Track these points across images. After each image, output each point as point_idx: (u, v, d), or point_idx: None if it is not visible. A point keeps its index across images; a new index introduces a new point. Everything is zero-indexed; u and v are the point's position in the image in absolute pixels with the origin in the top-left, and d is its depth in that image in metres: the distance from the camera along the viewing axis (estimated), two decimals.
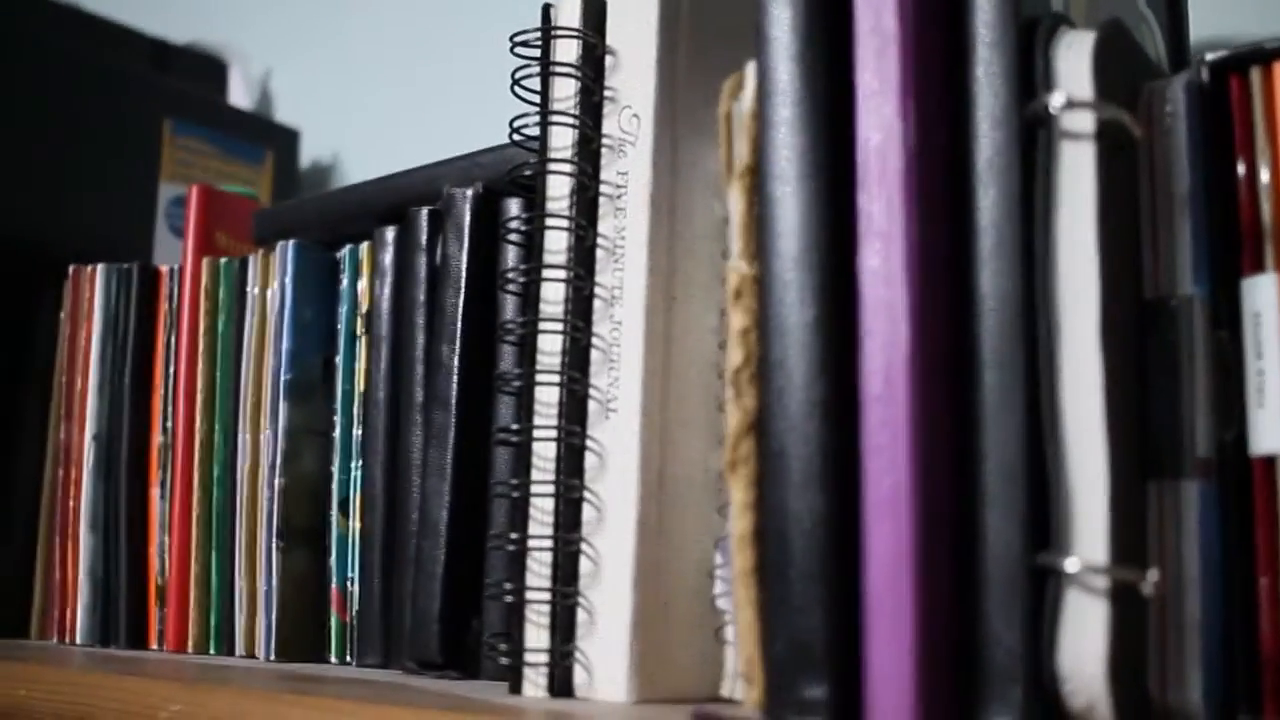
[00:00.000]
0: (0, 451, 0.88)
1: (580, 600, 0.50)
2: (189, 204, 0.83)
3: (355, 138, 1.19)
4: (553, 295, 0.52)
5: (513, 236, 0.60)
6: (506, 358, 0.59)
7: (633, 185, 0.52)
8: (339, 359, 0.74)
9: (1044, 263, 0.38)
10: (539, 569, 0.51)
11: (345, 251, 0.75)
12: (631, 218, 0.51)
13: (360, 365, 0.72)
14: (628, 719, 0.45)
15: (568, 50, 0.53)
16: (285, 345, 0.73)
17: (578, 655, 0.50)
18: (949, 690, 0.37)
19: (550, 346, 0.52)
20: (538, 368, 0.52)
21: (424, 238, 0.67)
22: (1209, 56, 0.42)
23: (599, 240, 0.52)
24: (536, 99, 0.54)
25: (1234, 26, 0.68)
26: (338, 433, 0.73)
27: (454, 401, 0.62)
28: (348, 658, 0.71)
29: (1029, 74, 0.39)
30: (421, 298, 0.67)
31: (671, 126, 0.52)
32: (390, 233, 0.71)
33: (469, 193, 0.65)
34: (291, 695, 0.49)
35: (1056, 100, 0.38)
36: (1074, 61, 0.39)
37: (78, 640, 0.80)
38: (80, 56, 0.99)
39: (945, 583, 0.37)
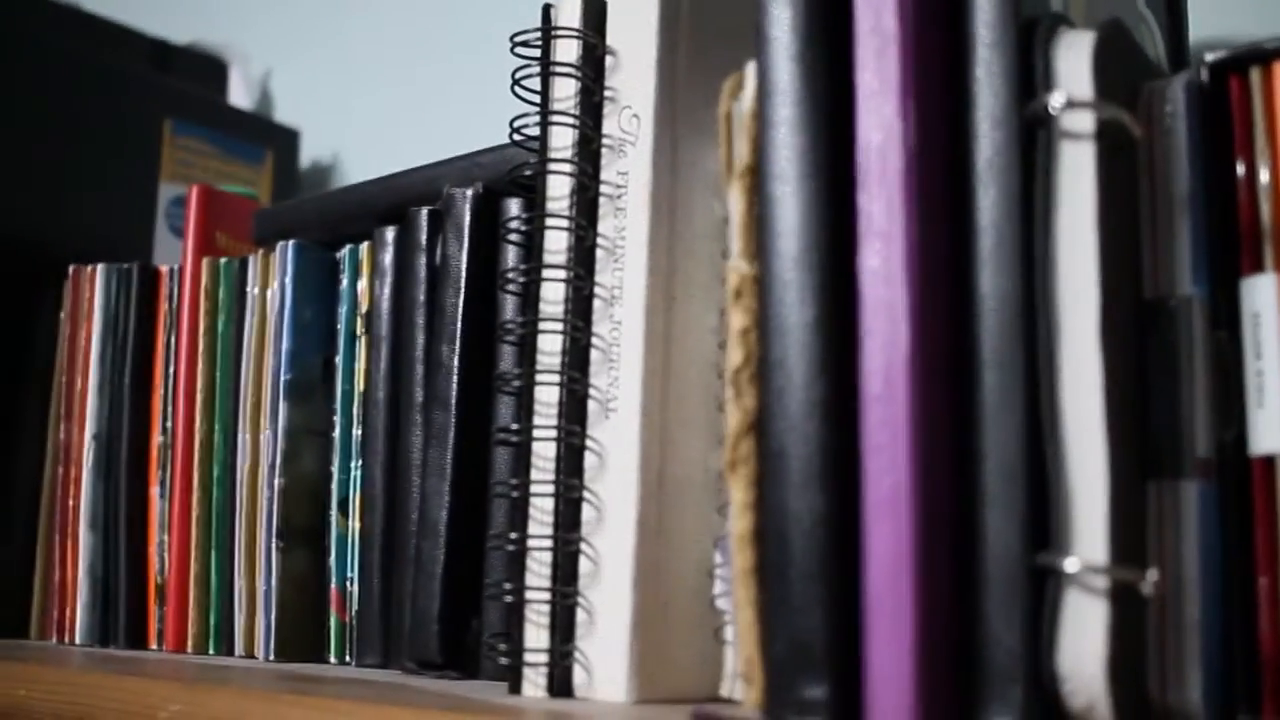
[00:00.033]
0: (0, 451, 0.88)
1: (580, 600, 0.50)
2: (189, 204, 0.83)
3: (355, 138, 1.19)
4: (553, 295, 0.52)
5: (513, 236, 0.60)
6: (506, 358, 0.59)
7: (633, 185, 0.52)
8: (339, 359, 0.74)
9: (1044, 263, 0.38)
10: (538, 569, 0.51)
11: (345, 251, 0.75)
12: (631, 218, 0.51)
13: (360, 365, 0.72)
14: (627, 719, 0.45)
15: (568, 50, 0.53)
16: (285, 345, 0.73)
17: (577, 655, 0.50)
18: (949, 690, 0.37)
19: (550, 346, 0.52)
20: (537, 368, 0.52)
21: (424, 238, 0.67)
22: (1208, 56, 0.42)
23: (599, 240, 0.52)
24: (537, 99, 0.54)
25: (1233, 27, 0.68)
26: (337, 433, 0.73)
27: (454, 401, 0.62)
28: (347, 658, 0.71)
29: (1029, 74, 0.39)
30: (421, 298, 0.67)
31: (671, 126, 0.52)
32: (390, 233, 0.71)
33: (469, 193, 0.65)
34: (291, 695, 0.49)
35: (1056, 100, 0.38)
36: (1074, 61, 0.39)
37: (77, 640, 0.80)
38: (80, 56, 0.99)
39: (945, 583, 0.37)
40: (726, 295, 0.43)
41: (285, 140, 1.15)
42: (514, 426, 0.53)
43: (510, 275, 0.56)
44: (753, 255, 0.42)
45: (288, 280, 0.74)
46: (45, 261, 0.88)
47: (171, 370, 0.79)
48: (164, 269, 0.82)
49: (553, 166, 0.53)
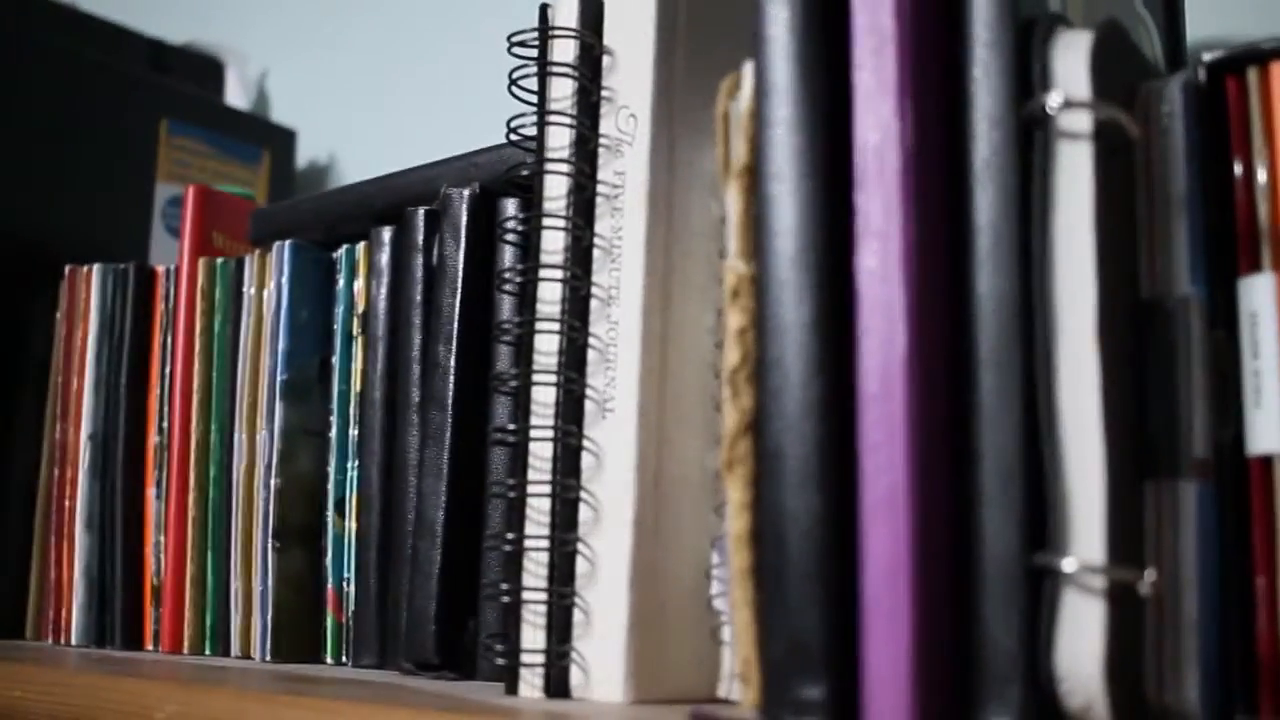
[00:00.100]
0: None
1: (577, 600, 0.50)
2: (185, 204, 0.83)
3: (352, 138, 1.19)
4: (549, 295, 0.52)
5: (509, 236, 0.60)
6: (503, 358, 0.59)
7: (630, 185, 0.52)
8: (335, 359, 0.73)
9: (1041, 262, 0.38)
10: (535, 569, 0.51)
11: (342, 252, 0.75)
12: (629, 218, 0.51)
13: (357, 365, 0.72)
14: (624, 719, 0.45)
15: (565, 50, 0.53)
16: (281, 345, 0.73)
17: (574, 656, 0.50)
18: (946, 690, 0.37)
19: (547, 346, 0.52)
20: (534, 368, 0.52)
21: (421, 238, 0.67)
22: (1206, 57, 0.42)
23: (596, 240, 0.52)
24: (534, 99, 0.54)
25: (1230, 27, 0.68)
26: (334, 433, 0.73)
27: (450, 401, 0.62)
28: (343, 658, 0.71)
29: (1026, 74, 0.39)
30: (418, 298, 0.67)
31: (669, 126, 0.52)
32: (387, 233, 0.71)
33: (466, 193, 0.65)
34: (288, 696, 0.49)
35: (1054, 100, 0.38)
36: (1071, 61, 0.39)
37: (73, 640, 0.80)
38: (77, 56, 0.99)
39: (942, 583, 0.37)
40: (724, 295, 0.43)
41: (282, 140, 1.15)
42: (511, 427, 0.53)
43: (507, 275, 0.56)
44: (750, 255, 0.42)
45: (284, 280, 0.74)
46: (41, 261, 0.88)
47: (168, 370, 0.79)
48: (160, 269, 0.82)
49: (550, 166, 0.53)
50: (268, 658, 0.71)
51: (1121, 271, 0.40)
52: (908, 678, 0.36)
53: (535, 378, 0.52)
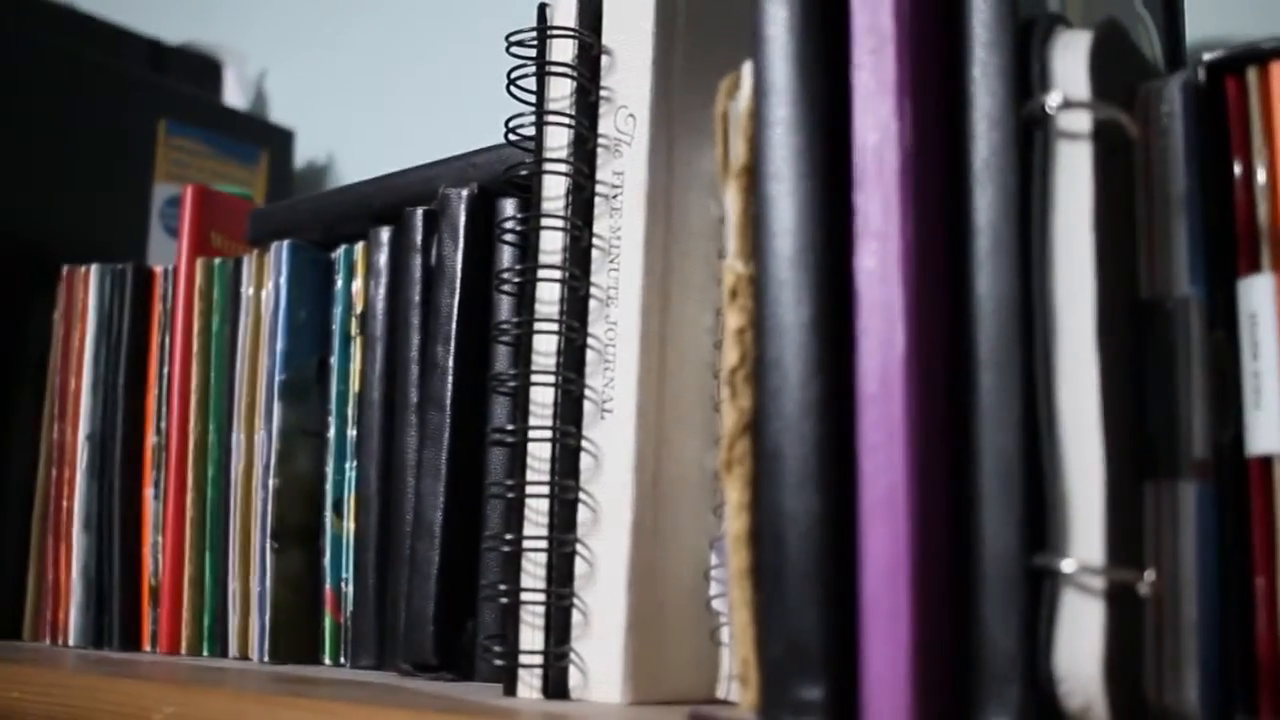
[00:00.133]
0: None
1: (575, 601, 0.50)
2: (183, 204, 0.83)
3: (350, 138, 1.19)
4: (548, 296, 0.52)
5: (508, 237, 0.60)
6: (501, 358, 0.59)
7: (628, 185, 0.52)
8: (334, 359, 0.73)
9: (1040, 263, 0.38)
10: (534, 570, 0.51)
11: (340, 252, 0.75)
12: (627, 218, 0.51)
13: (355, 366, 0.72)
14: None
15: (563, 50, 0.53)
16: (280, 346, 0.73)
17: (572, 657, 0.50)
18: (945, 691, 0.37)
19: (545, 347, 0.52)
20: (533, 368, 0.52)
21: (419, 238, 0.67)
22: (1205, 57, 0.42)
23: (594, 240, 0.52)
24: (532, 99, 0.54)
25: (1230, 27, 0.68)
26: (332, 433, 0.73)
27: (449, 402, 0.62)
28: (342, 659, 0.70)
29: (1025, 74, 0.39)
30: (416, 298, 0.67)
31: (667, 126, 0.52)
32: (385, 233, 0.71)
33: (464, 193, 0.65)
34: (286, 697, 0.49)
35: (1053, 100, 0.38)
36: (1070, 62, 0.39)
37: (71, 641, 0.79)
38: (75, 57, 0.99)
39: (941, 583, 0.37)
40: (722, 295, 0.43)
41: (280, 140, 1.15)
42: (509, 427, 0.53)
43: (505, 275, 0.56)
44: (749, 255, 0.42)
45: (282, 280, 0.74)
46: (39, 261, 0.88)
47: (166, 371, 0.79)
48: (158, 269, 0.82)
49: (548, 166, 0.53)
50: (266, 659, 0.71)
51: (1121, 272, 0.40)
52: (907, 678, 0.36)
53: (534, 378, 0.52)
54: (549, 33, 0.54)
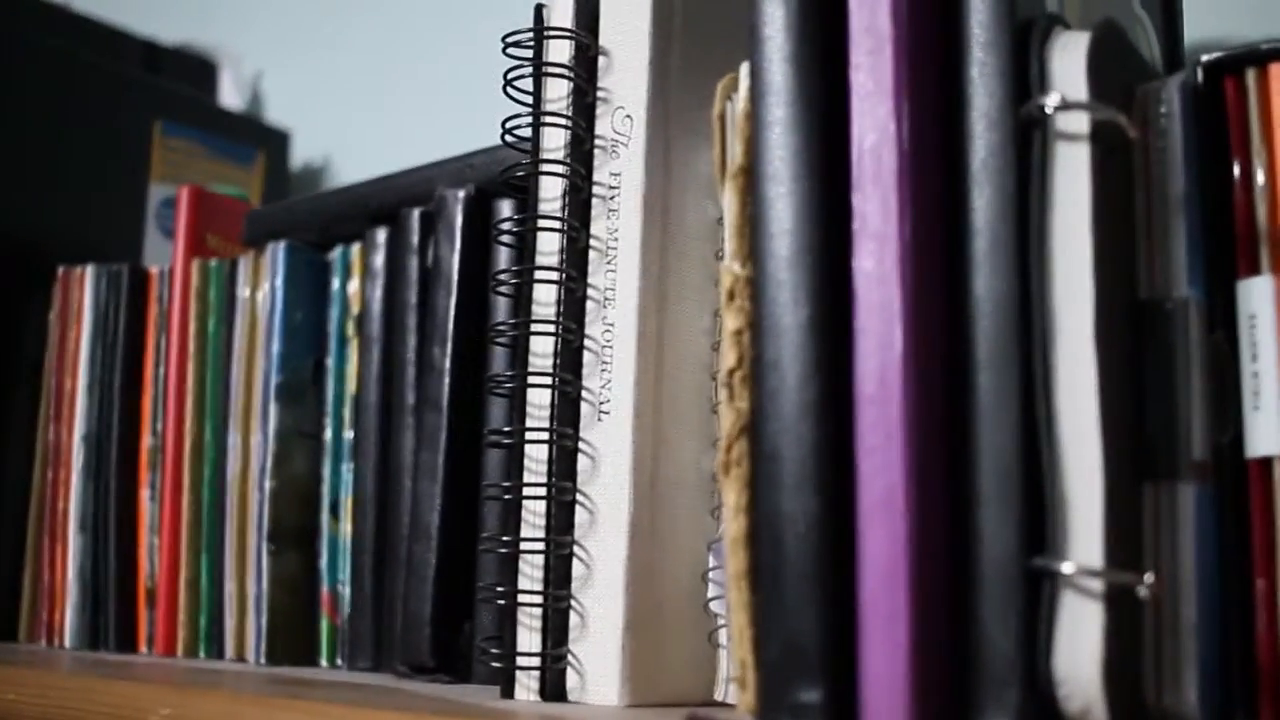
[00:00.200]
0: None
1: (572, 603, 0.50)
2: (179, 205, 0.83)
3: (346, 139, 1.19)
4: (545, 297, 0.52)
5: (505, 238, 0.60)
6: (498, 360, 0.59)
7: (625, 186, 0.51)
8: (330, 361, 0.73)
9: (1039, 264, 0.38)
10: (531, 572, 0.51)
11: (336, 253, 0.75)
12: (624, 219, 0.51)
13: (351, 367, 0.72)
14: None
15: (560, 51, 0.53)
16: (276, 347, 0.73)
17: (570, 659, 0.50)
18: (944, 693, 0.36)
19: (542, 348, 0.52)
20: (530, 370, 0.52)
21: (416, 239, 0.67)
22: (1204, 58, 0.42)
23: (591, 241, 0.52)
24: (529, 100, 0.54)
25: (1228, 28, 0.68)
26: (328, 435, 0.72)
27: (445, 404, 0.62)
28: (338, 661, 0.70)
29: (1024, 75, 0.39)
30: (413, 299, 0.67)
31: (664, 127, 0.52)
32: (382, 234, 0.71)
33: (461, 194, 0.65)
34: (283, 699, 0.49)
35: (1051, 101, 0.38)
36: (1069, 62, 0.39)
37: (67, 643, 0.79)
38: (71, 57, 0.99)
39: (940, 585, 0.37)
40: (720, 296, 0.43)
41: (276, 141, 1.15)
42: (506, 429, 0.53)
43: (502, 277, 0.56)
44: (746, 256, 0.42)
45: (278, 282, 0.74)
46: (34, 262, 0.88)
47: (161, 372, 0.79)
48: (154, 270, 0.82)
49: (545, 167, 0.53)
50: (262, 661, 0.71)
51: (1120, 273, 0.40)
52: (905, 680, 0.36)
53: (530, 380, 0.51)
54: (546, 34, 0.53)
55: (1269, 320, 0.39)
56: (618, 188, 0.52)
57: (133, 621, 0.78)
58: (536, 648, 0.50)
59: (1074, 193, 0.38)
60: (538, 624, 0.50)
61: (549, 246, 0.52)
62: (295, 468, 0.73)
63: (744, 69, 0.44)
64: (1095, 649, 0.36)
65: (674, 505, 0.51)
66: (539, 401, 0.51)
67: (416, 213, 0.68)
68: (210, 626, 0.74)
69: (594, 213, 0.52)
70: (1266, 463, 0.39)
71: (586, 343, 0.51)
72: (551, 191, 0.53)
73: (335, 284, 0.74)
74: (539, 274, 0.52)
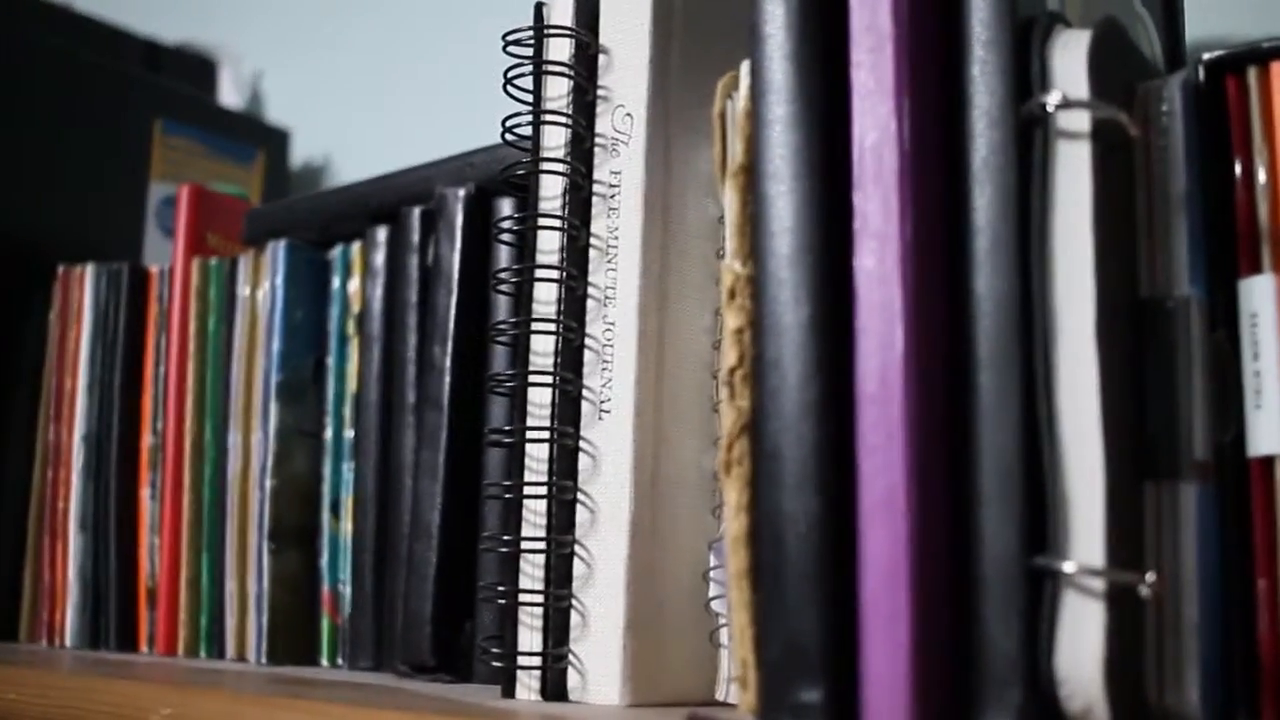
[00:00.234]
0: None
1: (573, 603, 0.50)
2: (179, 204, 0.83)
3: (346, 137, 1.19)
4: (545, 296, 0.52)
5: (505, 236, 0.60)
6: (499, 358, 0.59)
7: (626, 185, 0.51)
8: (330, 360, 0.73)
9: (1040, 263, 0.38)
10: (532, 571, 0.51)
11: (337, 252, 0.75)
12: (625, 217, 0.51)
13: (352, 366, 0.72)
14: None
15: (560, 49, 0.53)
16: (276, 346, 0.73)
17: (571, 658, 0.50)
18: (945, 693, 0.36)
19: (543, 347, 0.52)
20: (530, 369, 0.52)
21: (416, 238, 0.67)
22: (1205, 56, 0.42)
23: (592, 240, 0.52)
24: (529, 98, 0.54)
25: (1230, 27, 0.68)
26: (329, 434, 0.72)
27: (446, 402, 0.62)
28: (339, 660, 0.70)
29: (1025, 73, 0.39)
30: (413, 298, 0.67)
31: (665, 125, 0.52)
32: (382, 233, 0.70)
33: (461, 192, 0.65)
34: (284, 699, 0.49)
35: (1052, 99, 0.38)
36: (1070, 61, 0.39)
37: (67, 643, 0.79)
38: (71, 56, 0.99)
39: (941, 585, 0.37)
40: (721, 295, 0.43)
41: (276, 140, 1.15)
42: (507, 428, 0.53)
43: (503, 275, 0.55)
44: (747, 255, 0.42)
45: (279, 281, 0.74)
46: (35, 261, 0.88)
47: (162, 371, 0.79)
48: (154, 269, 0.82)
49: (545, 166, 0.53)
50: (263, 660, 0.71)
51: (1121, 271, 0.40)
52: (907, 680, 0.36)
53: (531, 379, 0.51)
54: (546, 32, 0.53)
55: (1270, 319, 0.39)
56: (618, 186, 0.52)
57: (133, 621, 0.78)
58: (537, 647, 0.50)
59: (1075, 191, 0.38)
60: (539, 623, 0.50)
61: (549, 245, 0.52)
62: (296, 467, 0.73)
63: (744, 67, 0.44)
64: (1097, 648, 0.36)
65: (675, 504, 0.51)
66: (540, 400, 0.51)
67: (417, 211, 0.68)
68: (211, 626, 0.74)
69: (594, 211, 0.52)
70: (1268, 462, 0.39)
71: (587, 341, 0.51)
72: (552, 190, 0.53)
73: (335, 283, 0.74)
74: (539, 272, 0.52)
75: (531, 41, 0.54)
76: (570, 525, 0.50)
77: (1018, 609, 0.36)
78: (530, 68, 0.53)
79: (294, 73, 1.23)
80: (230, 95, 1.18)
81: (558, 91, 0.53)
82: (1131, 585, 0.37)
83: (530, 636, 0.50)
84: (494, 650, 0.51)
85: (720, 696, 0.51)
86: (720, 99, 0.47)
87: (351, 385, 0.72)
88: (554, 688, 0.50)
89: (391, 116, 1.14)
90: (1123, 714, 0.36)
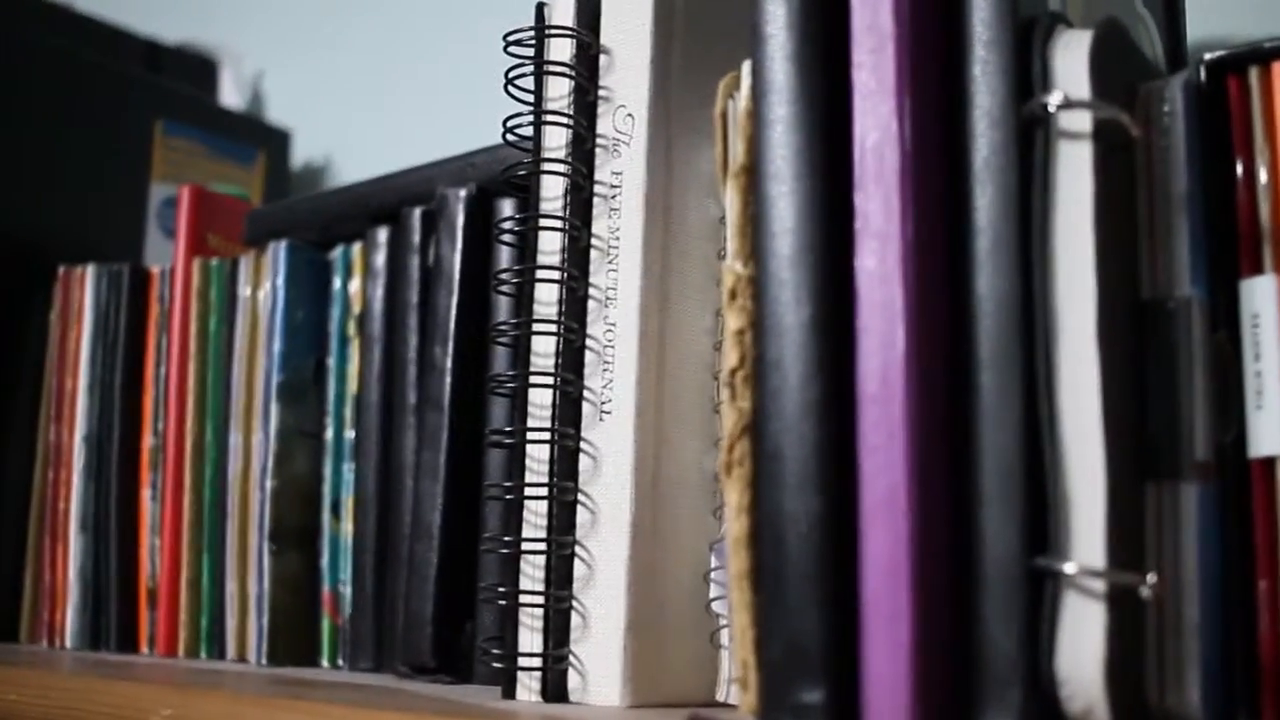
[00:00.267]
0: None
1: (574, 604, 0.50)
2: (180, 205, 0.83)
3: (347, 138, 1.19)
4: (546, 296, 0.52)
5: (506, 237, 0.60)
6: (500, 359, 0.59)
7: (627, 185, 0.51)
8: (331, 360, 0.73)
9: (1041, 263, 0.38)
10: (532, 572, 0.51)
11: (338, 252, 0.74)
12: (626, 218, 0.51)
13: (353, 367, 0.72)
14: None
15: (562, 49, 0.53)
16: (277, 346, 0.73)
17: (571, 659, 0.50)
18: (946, 694, 0.36)
19: (544, 348, 0.51)
20: (531, 369, 0.52)
21: (417, 238, 0.67)
22: (1207, 56, 0.42)
23: (593, 241, 0.52)
24: (530, 98, 0.54)
25: (1231, 27, 0.68)
26: (330, 434, 0.72)
27: (447, 403, 0.62)
28: (340, 661, 0.70)
29: (1026, 73, 0.39)
30: (414, 299, 0.67)
31: (666, 126, 0.52)
32: (383, 233, 0.70)
33: (462, 193, 0.65)
34: (284, 699, 0.49)
35: (1054, 99, 0.38)
36: (1071, 61, 0.39)
37: (68, 643, 0.79)
38: (72, 57, 0.99)
39: (942, 585, 0.37)
40: (722, 296, 0.43)
41: (277, 141, 1.15)
42: (508, 428, 0.53)
43: (503, 276, 0.55)
44: (748, 255, 0.42)
45: (279, 281, 0.74)
46: (35, 262, 0.88)
47: (163, 372, 0.79)
48: (155, 270, 0.82)
49: (546, 166, 0.53)
50: (264, 661, 0.71)
51: (1122, 272, 0.40)
52: (907, 680, 0.36)
53: (532, 379, 0.51)
54: (547, 32, 0.53)
55: (1272, 319, 0.39)
56: (619, 186, 0.52)
57: (134, 622, 0.78)
58: (538, 648, 0.50)
59: (1076, 191, 0.38)
60: (539, 624, 0.50)
61: (550, 246, 0.52)
62: (296, 467, 0.73)
63: (746, 67, 0.44)
64: (1097, 649, 0.35)
65: (676, 505, 0.51)
66: (540, 401, 0.51)
67: (418, 212, 0.68)
68: (211, 626, 0.74)
69: (595, 212, 0.52)
70: (1269, 462, 0.39)
71: (588, 342, 0.51)
72: (553, 190, 0.53)
73: (336, 283, 0.74)
74: (540, 273, 0.52)
75: (532, 42, 0.54)
76: (571, 526, 0.50)
77: (1018, 609, 0.36)
78: (531, 68, 0.53)
79: (295, 73, 1.23)
80: (231, 96, 1.18)
81: (559, 92, 0.53)
82: (1132, 586, 0.37)
83: (531, 637, 0.50)
84: (494, 651, 0.51)
85: (721, 697, 0.51)
86: (722, 99, 0.47)
87: (352, 386, 0.72)
88: (554, 689, 0.50)
89: (392, 117, 1.14)
90: (1123, 715, 0.36)
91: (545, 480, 0.51)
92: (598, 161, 0.52)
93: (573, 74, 0.52)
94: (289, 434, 0.73)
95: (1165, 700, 0.39)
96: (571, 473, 0.51)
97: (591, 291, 0.51)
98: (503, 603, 0.51)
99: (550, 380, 0.51)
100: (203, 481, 0.76)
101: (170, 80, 1.08)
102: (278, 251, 0.74)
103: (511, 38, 0.54)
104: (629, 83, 0.52)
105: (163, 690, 0.54)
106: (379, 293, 0.70)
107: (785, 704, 0.38)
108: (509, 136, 0.54)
